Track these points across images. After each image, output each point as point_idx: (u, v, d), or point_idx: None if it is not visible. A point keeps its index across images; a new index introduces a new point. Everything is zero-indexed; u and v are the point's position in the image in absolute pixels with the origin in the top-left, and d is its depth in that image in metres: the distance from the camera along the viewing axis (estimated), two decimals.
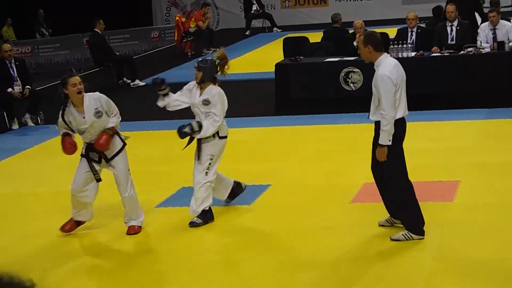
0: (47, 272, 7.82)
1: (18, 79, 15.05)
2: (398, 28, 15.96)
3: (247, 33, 26.65)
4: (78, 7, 26.16)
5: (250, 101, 15.94)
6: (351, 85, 14.29)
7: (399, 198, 8.16)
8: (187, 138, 8.98)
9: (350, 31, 16.19)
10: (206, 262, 7.81)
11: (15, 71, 15.08)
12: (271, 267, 7.50)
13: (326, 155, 11.64)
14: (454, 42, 14.82)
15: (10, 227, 9.44)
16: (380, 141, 7.95)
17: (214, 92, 8.95)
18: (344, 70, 14.34)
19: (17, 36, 23.90)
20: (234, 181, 9.47)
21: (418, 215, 8.08)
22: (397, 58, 13.81)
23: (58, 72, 21.96)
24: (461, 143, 11.79)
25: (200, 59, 9.35)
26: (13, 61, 15.18)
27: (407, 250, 7.78)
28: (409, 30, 15.33)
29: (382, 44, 8.05)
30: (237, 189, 9.49)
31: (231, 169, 11.06)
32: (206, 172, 8.93)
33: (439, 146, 11.67)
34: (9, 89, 14.87)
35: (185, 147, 9.18)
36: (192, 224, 8.84)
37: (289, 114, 14.23)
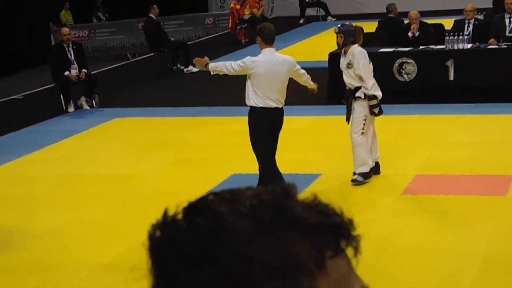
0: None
1: (75, 63, 15.17)
2: (455, 19, 15.77)
3: (301, 21, 26.58)
4: None
5: (303, 89, 15.86)
6: (405, 76, 14.17)
7: None
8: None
9: (405, 22, 16.05)
10: None
11: (73, 55, 15.20)
12: None
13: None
14: None
15: (63, 209, 9.56)
16: None
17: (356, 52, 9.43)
18: (398, 60, 14.22)
19: (75, 20, 24.11)
20: (377, 162, 9.85)
21: None
22: (453, 50, 13.89)
23: (114, 56, 22.25)
24: None
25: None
26: (70, 45, 15.31)
27: (460, 244, 7.74)
28: (466, 21, 15.14)
29: (270, 39, 8.64)
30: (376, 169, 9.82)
31: (283, 157, 11.09)
32: (362, 133, 9.48)
33: (492, 140, 11.53)
34: (66, 72, 15.02)
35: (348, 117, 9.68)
36: (354, 182, 9.49)
37: (341, 103, 14.14)
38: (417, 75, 14.02)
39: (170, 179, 10.36)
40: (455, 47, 13.94)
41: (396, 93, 14.13)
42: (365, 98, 9.46)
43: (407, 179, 9.84)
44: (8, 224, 9.08)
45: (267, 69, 8.56)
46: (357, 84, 9.45)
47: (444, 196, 9.20)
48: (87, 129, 13.63)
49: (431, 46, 14.55)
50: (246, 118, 13.14)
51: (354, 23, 9.37)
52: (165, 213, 1.26)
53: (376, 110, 9.55)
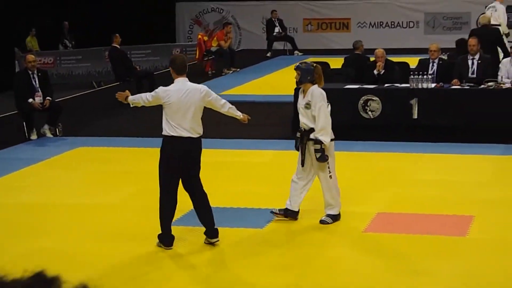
0: None
1: (40, 90, 15.07)
2: (420, 58, 15.94)
3: (268, 54, 26.72)
4: (102, 20, 26.29)
5: (268, 123, 15.95)
6: (370, 113, 14.27)
7: None
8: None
9: (371, 59, 16.20)
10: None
11: (37, 82, 15.10)
12: None
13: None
14: (475, 75, 14.76)
15: (18, 241, 9.46)
16: None
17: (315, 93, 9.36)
18: (363, 97, 14.32)
19: (41, 47, 24.00)
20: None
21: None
22: (417, 89, 14.02)
23: (79, 84, 22.15)
24: (477, 177, 11.74)
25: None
26: (35, 71, 15.22)
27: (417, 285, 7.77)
28: (431, 61, 15.30)
29: (182, 69, 8.85)
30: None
31: (242, 191, 11.12)
32: (330, 176, 9.44)
33: (455, 179, 11.62)
34: (30, 100, 14.91)
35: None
36: (323, 223, 9.49)
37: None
38: (382, 113, 14.13)
39: (132, 210, 10.33)
40: (420, 86, 14.08)
41: (360, 130, 14.24)
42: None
43: (369, 217, 9.88)
44: None
45: (178, 98, 8.67)
46: (312, 125, 9.38)
47: (405, 235, 9.24)
48: (50, 158, 13.53)
49: (396, 84, 14.68)
50: (216, 151, 13.22)
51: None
52: None
53: (317, 155, 9.33)
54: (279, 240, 9.20)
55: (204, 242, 8.95)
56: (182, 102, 8.68)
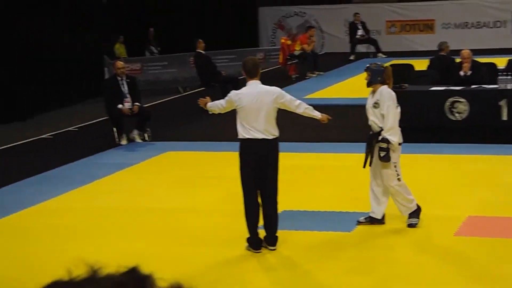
0: None
1: (129, 96, 15.32)
2: (509, 58, 15.69)
3: (351, 57, 26.63)
4: (186, 26, 26.59)
5: (351, 126, 15.88)
6: (457, 115, 14.09)
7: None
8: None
9: (457, 60, 16.00)
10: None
11: (126, 88, 15.33)
12: None
13: (425, 184, 11.52)
14: None
15: (112, 241, 9.64)
16: None
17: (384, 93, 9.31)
18: (449, 99, 14.16)
19: (128, 54, 24.39)
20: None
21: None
22: (506, 90, 13.78)
23: (165, 89, 22.44)
24: None
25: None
26: (124, 78, 15.46)
27: None
28: None
29: (253, 72, 8.88)
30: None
31: (329, 194, 11.10)
32: (399, 179, 9.29)
33: None
34: (120, 106, 15.17)
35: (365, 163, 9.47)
36: (411, 226, 9.39)
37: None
38: (469, 114, 13.93)
39: (220, 214, 10.39)
40: (509, 87, 13.86)
41: (447, 132, 14.08)
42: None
43: (460, 220, 9.77)
44: (57, 253, 9.14)
45: (250, 101, 8.70)
46: (381, 124, 9.29)
47: (497, 239, 9.10)
48: (139, 162, 13.73)
49: (484, 85, 14.47)
50: (300, 154, 13.23)
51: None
52: None
53: (382, 154, 9.20)
54: (366, 244, 9.15)
55: (262, 246, 8.94)
56: (254, 104, 8.70)
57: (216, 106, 9.16)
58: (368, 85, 9.50)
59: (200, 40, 19.79)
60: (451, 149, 13.46)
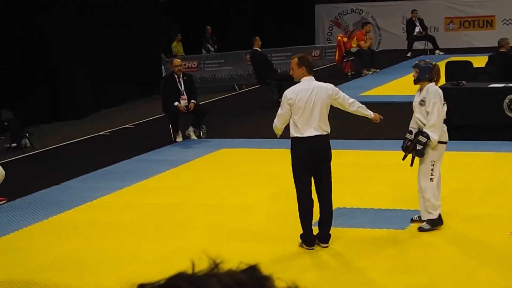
0: None
1: (185, 93, 15.38)
2: None
3: (408, 54, 26.40)
4: (242, 24, 26.68)
5: (407, 124, 15.73)
6: None
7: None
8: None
9: None
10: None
11: (183, 86, 15.42)
12: None
13: (481, 183, 11.37)
14: None
15: (168, 238, 9.70)
16: None
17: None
18: (509, 96, 13.96)
19: (185, 51, 24.56)
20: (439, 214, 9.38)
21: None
22: None
23: (221, 87, 22.53)
24: None
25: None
26: (181, 75, 15.55)
27: None
28: None
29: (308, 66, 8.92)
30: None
31: (384, 192, 11.03)
32: (431, 179, 9.12)
33: None
34: (176, 103, 15.25)
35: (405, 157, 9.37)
36: (421, 230, 9.21)
37: (449, 138, 13.96)
38: None
39: (273, 211, 10.39)
40: None
41: (506, 130, 13.88)
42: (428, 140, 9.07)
43: None
44: (114, 249, 9.25)
45: (304, 97, 8.66)
46: (425, 121, 9.16)
47: None
48: (194, 159, 13.81)
49: None
50: (355, 152, 13.17)
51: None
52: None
53: (418, 147, 9.06)
54: (419, 241, 9.07)
55: (315, 243, 8.91)
56: (308, 101, 8.68)
57: (278, 123, 8.98)
58: (416, 82, 9.37)
59: (257, 37, 19.83)
60: (510, 147, 13.27)
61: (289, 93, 8.80)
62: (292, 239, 9.04)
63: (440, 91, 9.25)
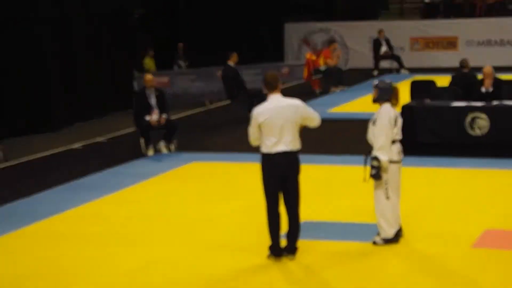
0: None
1: (157, 108, 15.42)
2: None
3: (374, 73, 26.62)
4: (213, 41, 26.71)
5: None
6: (477, 130, 14.08)
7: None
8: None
9: (479, 77, 15.99)
10: None
11: (154, 101, 15.46)
12: None
13: (442, 199, 11.51)
14: None
15: (137, 249, 9.72)
16: None
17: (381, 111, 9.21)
18: (470, 115, 14.15)
19: (156, 67, 24.55)
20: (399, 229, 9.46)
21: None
22: None
23: (192, 103, 22.54)
24: None
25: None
26: (153, 90, 15.56)
27: None
28: None
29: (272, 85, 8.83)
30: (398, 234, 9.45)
31: (351, 205, 11.10)
32: (388, 197, 9.16)
33: None
34: (147, 117, 15.28)
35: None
36: (375, 244, 9.30)
37: (412, 155, 14.09)
38: (490, 130, 13.92)
39: (241, 223, 10.44)
40: None
41: (467, 147, 14.05)
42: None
43: (477, 233, 9.75)
44: (80, 261, 9.22)
45: (274, 115, 8.66)
46: (373, 142, 9.18)
47: (509, 251, 9.07)
48: (164, 172, 13.82)
49: (505, 102, 14.46)
50: (320, 166, 13.26)
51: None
52: None
53: (373, 172, 9.04)
54: (384, 254, 9.15)
55: (283, 254, 8.95)
56: (277, 118, 8.67)
57: (252, 141, 8.94)
58: (374, 102, 9.33)
59: (235, 53, 19.79)
60: (471, 163, 13.45)
61: (258, 111, 8.76)
62: (260, 250, 9.08)
63: (392, 113, 9.15)
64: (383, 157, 9.04)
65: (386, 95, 9.24)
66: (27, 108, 19.08)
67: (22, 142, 17.73)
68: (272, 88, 8.84)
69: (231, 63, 19.79)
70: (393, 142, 9.18)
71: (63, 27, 20.23)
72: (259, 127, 8.74)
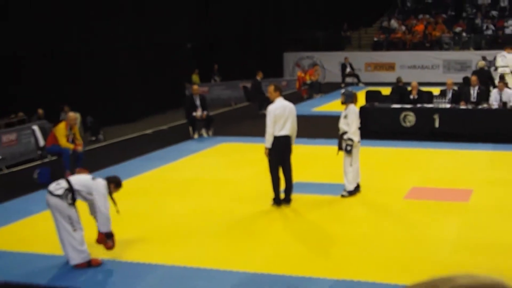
0: None
1: (200, 107, 15.46)
2: (441, 89, 15.64)
3: (342, 85, 26.48)
4: (237, 63, 26.65)
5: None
6: (407, 123, 14.10)
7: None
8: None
9: (408, 89, 15.97)
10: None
11: (199, 102, 15.47)
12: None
13: (384, 167, 11.53)
14: (475, 100, 14.45)
15: (187, 200, 9.75)
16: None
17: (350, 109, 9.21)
18: (403, 113, 14.16)
19: (200, 80, 24.57)
20: (358, 184, 9.41)
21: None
22: (439, 108, 13.73)
23: (223, 104, 22.52)
24: (472, 164, 11.45)
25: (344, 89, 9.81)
26: (198, 96, 15.56)
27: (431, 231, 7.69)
28: (447, 90, 15.04)
29: (280, 91, 8.83)
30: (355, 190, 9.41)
31: (326, 171, 11.05)
32: (351, 164, 9.16)
33: (460, 165, 11.38)
34: (194, 113, 15.34)
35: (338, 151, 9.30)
36: (343, 196, 9.20)
37: (366, 139, 14.10)
38: (415, 123, 13.93)
39: (256, 183, 10.45)
40: (440, 106, 13.84)
41: (401, 134, 14.05)
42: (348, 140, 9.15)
43: (407, 189, 9.80)
44: (148, 208, 9.22)
45: (282, 110, 8.65)
46: (347, 129, 9.20)
47: (432, 201, 9.15)
48: (205, 150, 13.81)
49: (425, 105, 14.45)
50: (306, 146, 13.29)
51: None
52: None
53: (348, 148, 9.10)
54: (345, 203, 9.16)
55: (281, 203, 8.93)
56: (284, 113, 8.67)
57: (268, 136, 8.69)
58: (343, 103, 9.39)
59: (260, 72, 19.88)
60: (403, 145, 13.45)
61: (272, 108, 8.71)
62: (267, 200, 9.15)
63: (357, 110, 9.30)
64: (356, 138, 9.11)
65: (350, 99, 9.28)
66: (117, 107, 19.17)
67: (114, 129, 17.81)
68: (279, 93, 8.83)
69: (258, 78, 19.80)
70: (358, 128, 9.25)
71: (136, 52, 20.27)
72: (274, 116, 8.64)
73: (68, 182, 6.79)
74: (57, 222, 6.73)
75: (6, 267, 6.89)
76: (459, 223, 8.05)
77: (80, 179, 6.84)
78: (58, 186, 6.75)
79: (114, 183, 6.99)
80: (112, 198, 6.98)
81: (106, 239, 6.85)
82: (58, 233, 6.79)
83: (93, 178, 6.90)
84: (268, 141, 8.72)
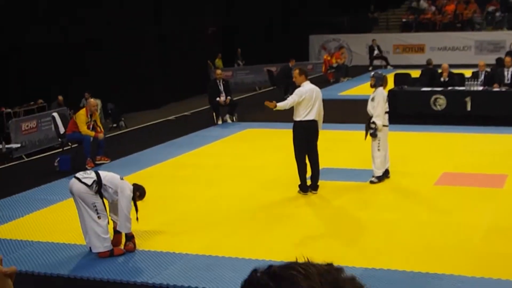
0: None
1: (223, 92, 15.43)
2: (473, 70, 15.38)
3: (370, 68, 26.24)
4: (262, 48, 26.54)
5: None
6: (438, 106, 13.91)
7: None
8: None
9: (439, 71, 15.71)
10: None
11: (222, 87, 15.45)
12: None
13: (415, 152, 11.41)
14: (509, 81, 14.16)
15: (211, 186, 9.77)
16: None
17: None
18: (433, 96, 13.97)
19: (223, 65, 24.55)
20: (387, 169, 9.40)
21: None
22: (471, 91, 13.51)
23: (247, 88, 22.51)
24: (509, 149, 11.25)
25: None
26: (221, 80, 15.56)
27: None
28: (480, 72, 14.75)
29: (306, 75, 8.77)
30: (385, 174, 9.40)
31: (353, 157, 11.00)
32: (379, 149, 9.14)
33: (491, 149, 11.18)
34: (217, 98, 15.32)
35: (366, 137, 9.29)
36: (372, 182, 9.22)
37: (395, 123, 13.93)
38: (446, 107, 13.75)
39: (281, 169, 10.44)
40: (472, 89, 13.60)
41: (431, 118, 13.89)
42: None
43: (437, 174, 9.68)
44: (172, 195, 9.28)
45: (310, 95, 8.58)
46: (373, 112, 9.16)
47: (464, 187, 9.02)
48: (229, 136, 13.85)
49: (456, 87, 14.23)
50: (333, 131, 13.18)
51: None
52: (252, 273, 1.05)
53: (371, 131, 9.10)
54: (372, 188, 9.09)
55: (308, 190, 8.91)
56: (312, 96, 8.61)
57: (285, 104, 8.60)
58: (372, 86, 9.37)
59: (293, 59, 19.99)
60: (433, 129, 13.31)
61: (303, 91, 8.60)
62: (293, 187, 9.13)
63: (385, 93, 9.24)
64: (379, 122, 9.07)
65: (380, 81, 9.22)
66: (139, 93, 19.25)
67: (137, 115, 17.91)
68: (305, 77, 8.76)
69: (290, 64, 19.75)
70: (386, 113, 9.17)
71: (159, 38, 20.31)
72: (303, 99, 8.56)
73: (98, 175, 6.82)
74: (81, 210, 6.76)
75: (29, 257, 6.95)
76: (493, 209, 7.92)
77: (109, 176, 6.89)
78: (87, 175, 6.79)
79: (139, 192, 7.03)
80: (135, 205, 6.98)
81: (126, 240, 6.89)
82: (81, 221, 6.82)
83: (122, 178, 6.93)
84: (283, 104, 8.55)
